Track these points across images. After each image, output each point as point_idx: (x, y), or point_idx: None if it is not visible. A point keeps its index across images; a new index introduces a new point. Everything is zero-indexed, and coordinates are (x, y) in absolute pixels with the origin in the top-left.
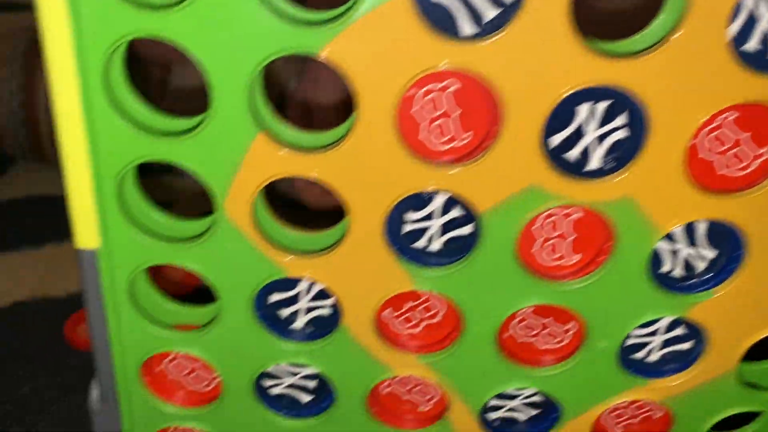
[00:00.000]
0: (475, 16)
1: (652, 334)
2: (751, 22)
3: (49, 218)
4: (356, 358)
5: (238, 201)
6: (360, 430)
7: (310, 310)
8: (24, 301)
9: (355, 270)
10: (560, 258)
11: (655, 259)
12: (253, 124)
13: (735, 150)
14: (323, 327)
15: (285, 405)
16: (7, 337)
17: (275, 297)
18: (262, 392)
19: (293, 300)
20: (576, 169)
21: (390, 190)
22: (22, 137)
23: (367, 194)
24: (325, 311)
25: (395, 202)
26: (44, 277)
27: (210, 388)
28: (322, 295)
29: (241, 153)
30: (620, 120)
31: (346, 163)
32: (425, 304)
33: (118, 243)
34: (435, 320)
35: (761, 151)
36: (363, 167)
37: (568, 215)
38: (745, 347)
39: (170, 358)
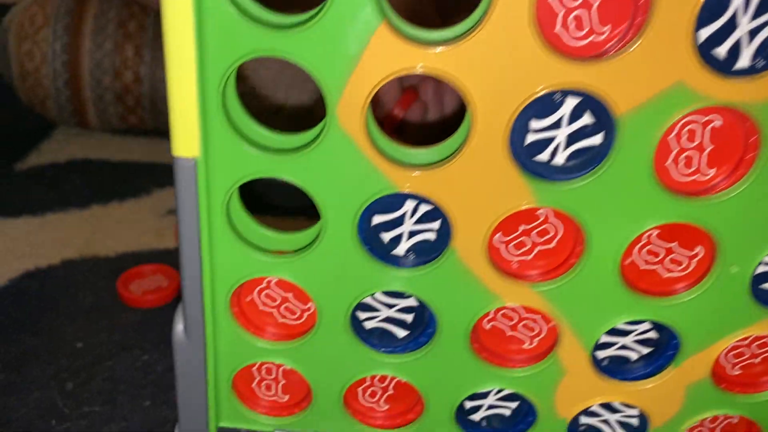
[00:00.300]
0: None
1: None
2: None
3: (92, 181)
4: (463, 285)
5: (351, 105)
6: (458, 368)
7: (413, 234)
8: (73, 259)
9: (471, 184)
10: (695, 173)
11: None
12: (376, 12)
13: None
14: (427, 252)
15: (379, 340)
16: (59, 294)
17: (378, 219)
18: (356, 325)
19: (398, 222)
20: (725, 67)
21: (518, 90)
22: (65, 100)
23: (493, 95)
24: (429, 235)
25: (522, 106)
26: (91, 237)
27: (301, 321)
28: (428, 217)
29: (360, 46)
30: None
31: (475, 55)
32: (540, 228)
33: (219, 153)
34: (549, 246)
35: None
36: (490, 61)
37: (707, 123)
38: None
39: (262, 286)
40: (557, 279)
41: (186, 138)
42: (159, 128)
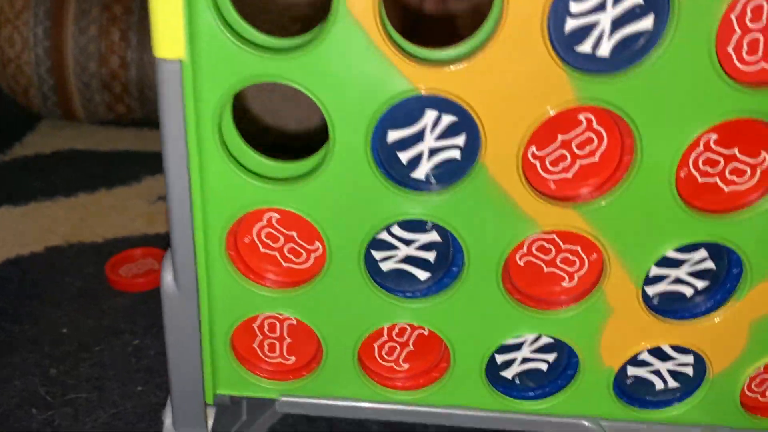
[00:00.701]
0: None
1: None
2: None
3: (79, 170)
4: (495, 209)
5: None
6: (489, 312)
7: (434, 152)
8: (58, 246)
9: (501, 80)
10: (761, 59)
11: None
12: None
13: None
14: (452, 175)
15: (397, 283)
16: (43, 280)
17: (395, 135)
18: (372, 267)
19: (417, 138)
20: None
21: None
22: (48, 89)
23: None
24: (454, 153)
25: None
26: (79, 224)
27: (308, 264)
28: (452, 131)
29: None
30: None
31: None
32: (581, 137)
33: (209, 54)
34: (593, 159)
35: None
36: None
37: None
38: None
39: (262, 224)
40: (603, 197)
41: (169, 36)
42: (148, 117)
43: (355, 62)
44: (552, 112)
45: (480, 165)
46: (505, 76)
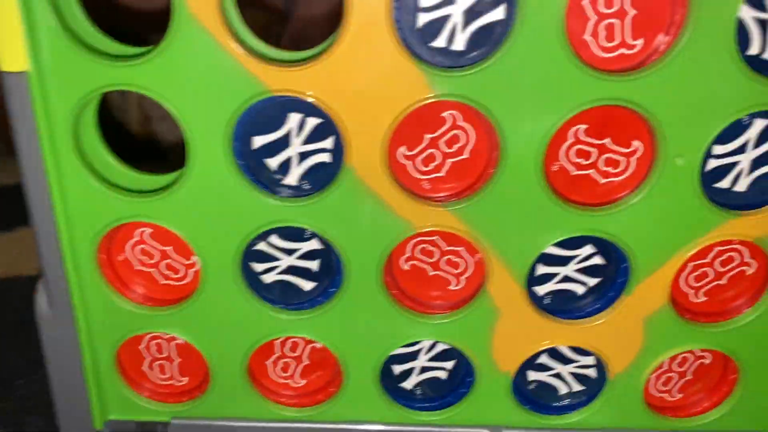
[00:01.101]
0: None
1: (740, 150)
2: None
3: (17, 205)
4: (367, 212)
5: None
6: (376, 320)
7: (304, 156)
8: None
9: (356, 78)
10: (619, 46)
11: (742, 36)
12: None
13: None
14: (324, 178)
15: (283, 295)
16: None
17: (260, 140)
18: (253, 279)
19: (283, 143)
20: None
21: None
22: None
23: None
24: (324, 157)
25: None
26: (17, 257)
27: (187, 280)
28: (319, 134)
29: None
30: None
31: None
32: (448, 135)
33: (54, 64)
34: (462, 156)
35: None
36: None
37: None
38: None
39: (135, 240)
40: (474, 195)
41: (10, 47)
42: None
43: (203, 66)
44: (413, 106)
45: (347, 168)
46: (357, 76)
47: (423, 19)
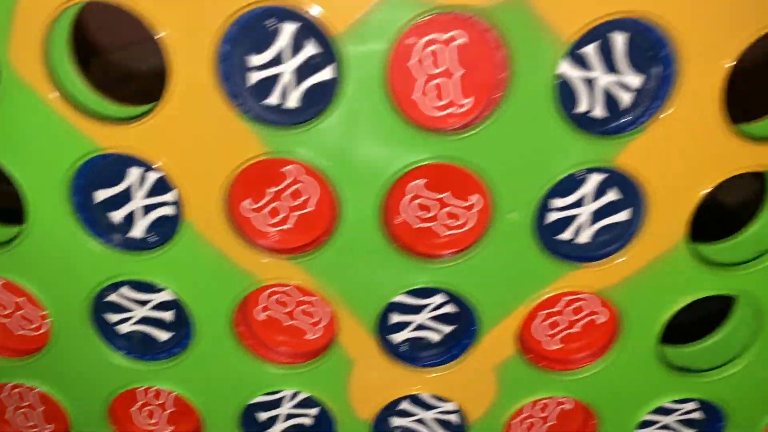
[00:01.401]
0: None
1: (578, 204)
2: None
3: None
4: (210, 265)
5: (25, 43)
6: (231, 370)
7: (148, 209)
8: None
9: (186, 136)
10: (448, 105)
11: (567, 94)
12: None
13: None
14: (169, 230)
15: (141, 345)
16: None
17: (103, 194)
18: (107, 330)
19: (125, 196)
20: None
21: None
22: None
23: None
24: (167, 210)
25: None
26: None
27: (41, 331)
28: (161, 187)
29: None
30: None
31: None
32: (291, 189)
33: None
34: (307, 209)
35: None
36: None
37: (450, 41)
38: (691, 206)
39: None
40: (320, 247)
41: None
42: None
43: (32, 125)
44: (246, 163)
45: (186, 222)
46: (186, 134)
47: (254, 77)
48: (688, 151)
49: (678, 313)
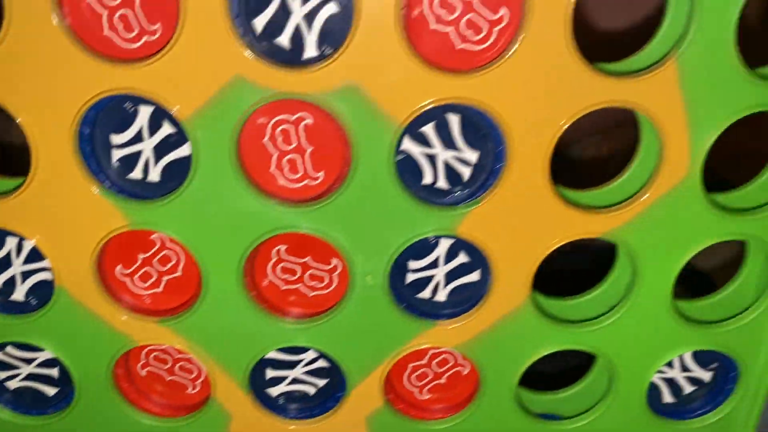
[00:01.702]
0: None
1: (434, 265)
2: None
3: None
4: (86, 327)
5: None
6: (110, 423)
7: (27, 275)
8: None
9: (51, 209)
10: (303, 178)
11: (411, 167)
12: None
13: (468, 17)
14: (48, 294)
15: (32, 400)
16: None
17: None
18: None
19: (5, 263)
20: (292, 57)
21: (67, 101)
22: None
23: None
24: (46, 275)
25: (83, 111)
26: None
27: None
28: (38, 255)
29: None
30: None
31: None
32: (160, 255)
33: None
34: (176, 274)
35: (497, 15)
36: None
37: (299, 122)
38: (530, 271)
39: None
40: (189, 309)
41: None
42: None
43: None
44: (109, 236)
45: (60, 288)
46: (53, 209)
47: (117, 154)
48: (521, 220)
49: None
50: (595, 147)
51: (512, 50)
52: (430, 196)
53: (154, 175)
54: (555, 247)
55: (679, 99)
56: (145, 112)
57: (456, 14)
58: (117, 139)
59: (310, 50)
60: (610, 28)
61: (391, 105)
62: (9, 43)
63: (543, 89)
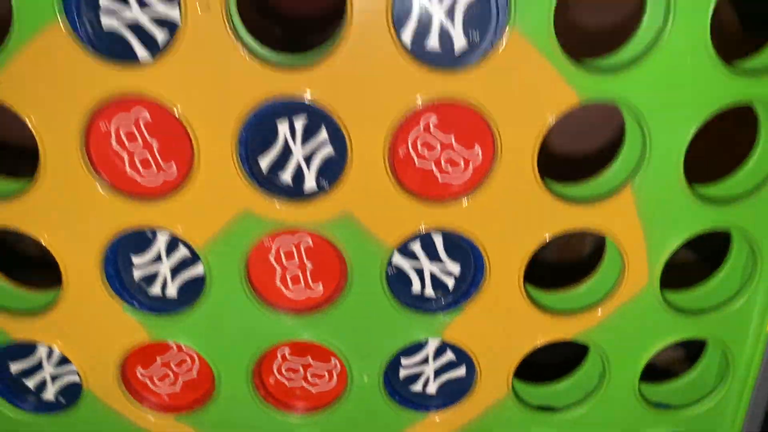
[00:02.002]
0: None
1: (424, 362)
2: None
3: None
4: (111, 424)
5: None
6: None
7: (55, 378)
8: None
9: (79, 323)
10: (305, 290)
11: (401, 278)
12: None
13: (447, 154)
14: (76, 395)
15: None
16: None
17: (15, 366)
18: None
19: (37, 367)
20: (294, 191)
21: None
22: None
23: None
24: (74, 377)
25: (106, 245)
26: None
27: None
28: (66, 360)
29: None
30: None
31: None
32: (177, 358)
33: None
34: (191, 376)
35: (471, 151)
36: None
37: (299, 243)
38: (510, 368)
39: None
40: (203, 406)
41: None
42: None
43: None
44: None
45: (87, 391)
46: (80, 324)
47: (138, 273)
48: (500, 325)
49: None
50: (558, 252)
51: (486, 181)
52: (419, 303)
53: (172, 291)
54: (531, 349)
55: (637, 223)
56: (162, 238)
57: (436, 152)
58: (137, 260)
59: (310, 184)
60: (570, 152)
61: (381, 230)
62: (42, 184)
63: (513, 216)
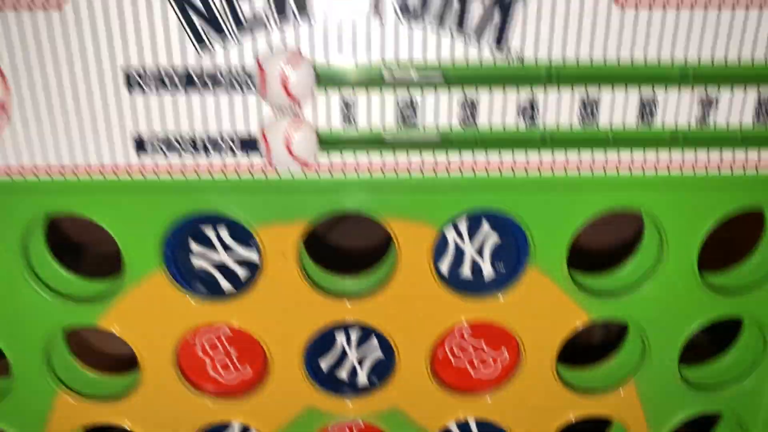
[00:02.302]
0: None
1: None
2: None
3: None
4: None
5: None
6: None
7: None
8: None
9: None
10: None
11: None
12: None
13: (478, 355)
14: None
15: None
16: None
17: None
18: None
19: None
20: (348, 388)
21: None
22: None
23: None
24: None
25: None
26: None
27: None
28: None
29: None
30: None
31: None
32: None
33: None
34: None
35: (499, 352)
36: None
37: (352, 429)
38: None
39: None
40: None
41: None
42: None
43: None
44: None
45: None
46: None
47: None
48: None
49: None
50: None
51: (514, 375)
52: None
53: None
54: None
55: (639, 408)
56: (237, 425)
57: (469, 354)
58: None
59: (362, 381)
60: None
61: (426, 421)
62: (141, 390)
63: (534, 404)
